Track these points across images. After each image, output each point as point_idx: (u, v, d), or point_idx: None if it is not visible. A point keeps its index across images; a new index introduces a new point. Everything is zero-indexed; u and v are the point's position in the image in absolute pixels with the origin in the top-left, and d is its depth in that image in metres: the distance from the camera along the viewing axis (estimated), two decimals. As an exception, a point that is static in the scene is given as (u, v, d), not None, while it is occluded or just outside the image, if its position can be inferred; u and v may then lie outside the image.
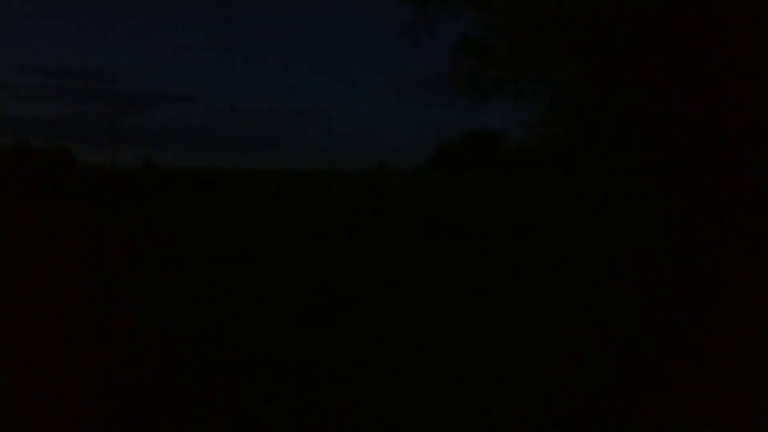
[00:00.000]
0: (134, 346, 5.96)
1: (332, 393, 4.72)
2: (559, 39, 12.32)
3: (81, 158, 55.14)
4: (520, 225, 17.16)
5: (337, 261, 11.17)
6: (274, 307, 7.54)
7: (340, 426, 4.21)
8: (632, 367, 5.28)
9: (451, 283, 8.91)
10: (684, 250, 11.48)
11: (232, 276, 9.69)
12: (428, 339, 6.10)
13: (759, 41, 11.20)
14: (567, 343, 5.88)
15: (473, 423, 4.21)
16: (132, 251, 12.40)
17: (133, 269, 10.24)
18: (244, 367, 5.31)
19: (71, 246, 13.28)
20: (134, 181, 41.80)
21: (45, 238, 14.69)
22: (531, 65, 13.38)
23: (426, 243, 13.51)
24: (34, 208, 24.62)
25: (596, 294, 8.00)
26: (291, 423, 4.25)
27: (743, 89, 11.57)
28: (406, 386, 4.84)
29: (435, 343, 5.95)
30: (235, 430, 4.15)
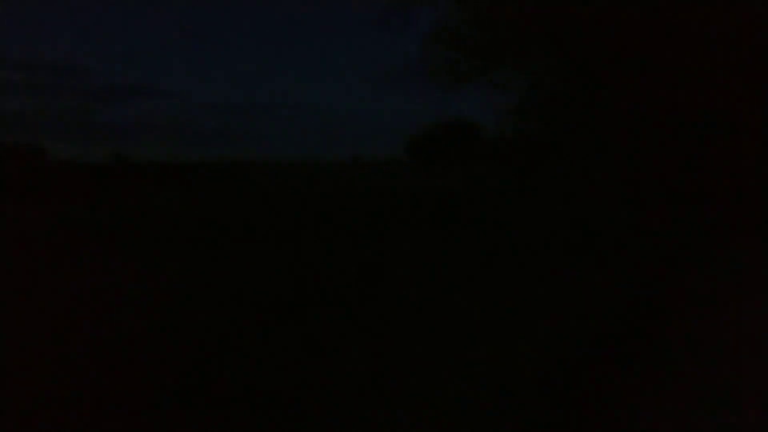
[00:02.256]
0: (107, 344, 5.88)
1: (314, 385, 4.70)
2: (534, 27, 12.36)
3: (52, 153, 54.09)
4: (495, 214, 17.25)
5: (315, 253, 11.11)
6: (252, 301, 7.48)
7: (323, 419, 4.19)
8: (616, 356, 5.32)
9: (431, 272, 8.93)
10: (665, 236, 11.63)
11: (209, 270, 9.59)
12: (410, 330, 6.10)
13: (735, 28, 11.36)
14: (549, 334, 5.93)
15: (457, 416, 4.22)
16: (102, 248, 12.21)
17: (104, 266, 10.09)
18: (222, 362, 5.26)
19: (41, 243, 13.03)
20: (106, 175, 41.11)
21: (15, 236, 14.40)
22: (506, 54, 13.41)
23: (404, 233, 13.51)
24: (2, 205, 24.09)
25: (576, 282, 8.07)
26: (275, 417, 4.23)
27: (722, 75, 11.73)
28: (391, 379, 4.83)
29: (417, 334, 5.94)
30: (216, 425, 4.12)
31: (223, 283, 8.59)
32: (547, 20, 12.03)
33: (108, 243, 12.83)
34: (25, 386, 4.81)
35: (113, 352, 5.58)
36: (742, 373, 4.80)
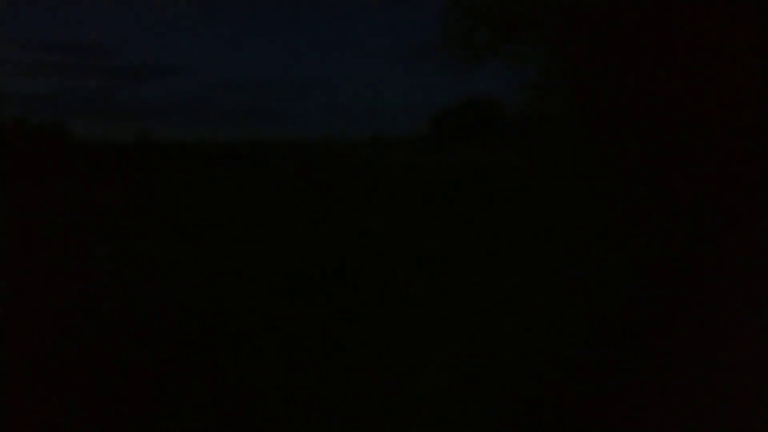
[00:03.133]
0: (123, 321, 5.96)
1: (312, 383, 4.66)
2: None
3: (77, 133, 54.76)
4: (515, 193, 17.10)
5: (326, 232, 11.13)
6: (262, 280, 7.49)
7: (321, 417, 4.16)
8: (617, 341, 5.25)
9: (435, 264, 8.83)
10: (682, 217, 11.41)
11: (219, 250, 9.65)
12: (408, 328, 5.93)
13: (744, 18, 10.99)
14: (552, 317, 5.85)
15: (455, 416, 4.17)
16: (124, 226, 12.37)
17: (124, 244, 10.22)
18: (229, 340, 5.29)
19: (66, 223, 13.25)
20: (131, 155, 41.58)
21: (40, 216, 14.66)
22: (524, 25, 13.14)
23: (421, 213, 13.46)
24: (28, 185, 24.51)
25: (577, 278, 7.82)
26: (279, 397, 4.24)
27: (734, 54, 11.40)
28: (388, 377, 4.74)
29: (415, 333, 5.79)
30: (219, 405, 4.14)
31: (233, 268, 8.55)
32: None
33: (125, 227, 12.99)
34: (28, 375, 4.85)
35: (116, 341, 5.62)
36: (743, 371, 4.69)
